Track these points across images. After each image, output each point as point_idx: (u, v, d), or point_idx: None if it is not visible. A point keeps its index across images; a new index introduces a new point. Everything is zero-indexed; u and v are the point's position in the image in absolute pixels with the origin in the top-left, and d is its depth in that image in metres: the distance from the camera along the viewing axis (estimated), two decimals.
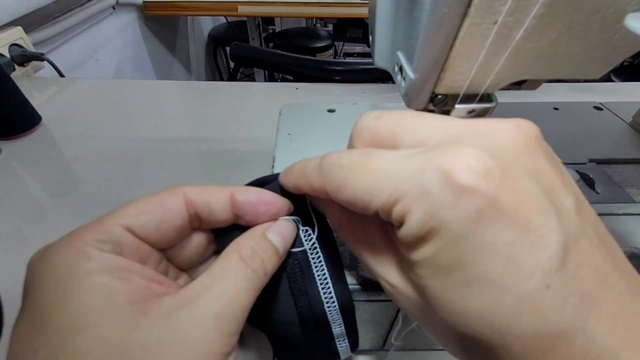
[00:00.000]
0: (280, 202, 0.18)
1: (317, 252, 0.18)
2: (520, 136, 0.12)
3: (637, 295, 0.12)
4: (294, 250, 0.18)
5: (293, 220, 0.18)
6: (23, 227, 0.35)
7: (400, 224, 0.12)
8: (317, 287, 0.18)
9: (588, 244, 0.11)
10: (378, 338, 0.27)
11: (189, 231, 0.18)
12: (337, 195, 0.14)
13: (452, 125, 0.13)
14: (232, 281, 0.15)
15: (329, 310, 0.18)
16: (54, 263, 0.13)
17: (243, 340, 0.26)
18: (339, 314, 0.18)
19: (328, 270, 0.18)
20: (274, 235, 0.17)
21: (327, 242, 0.18)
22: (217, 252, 0.19)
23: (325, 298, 0.18)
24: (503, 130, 0.12)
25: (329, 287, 0.18)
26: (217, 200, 0.17)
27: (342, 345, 0.19)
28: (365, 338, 0.27)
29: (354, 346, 0.19)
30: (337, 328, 0.18)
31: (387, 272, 0.15)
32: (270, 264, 0.16)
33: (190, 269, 0.19)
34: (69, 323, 0.12)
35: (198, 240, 0.18)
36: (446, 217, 0.11)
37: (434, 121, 0.14)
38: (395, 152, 0.13)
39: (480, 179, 0.11)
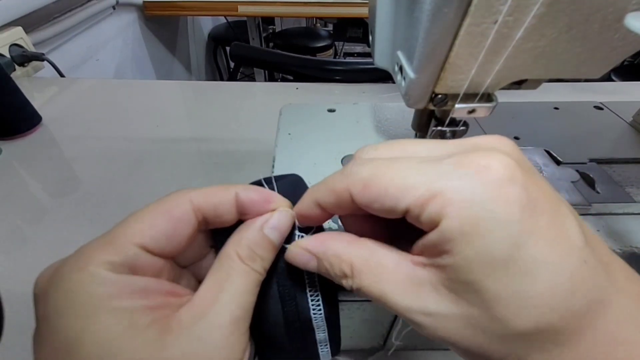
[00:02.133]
0: (280, 200, 0.18)
1: None
2: (514, 146, 0.14)
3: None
4: (286, 245, 0.18)
5: (291, 216, 0.18)
6: (24, 227, 0.35)
7: (435, 223, 0.12)
8: (306, 293, 0.18)
9: (587, 226, 0.13)
10: (378, 338, 0.27)
11: (197, 235, 0.17)
12: (363, 195, 0.13)
13: (452, 143, 0.14)
14: (240, 285, 0.15)
15: (315, 316, 0.18)
16: (71, 288, 0.13)
17: None
18: (324, 321, 0.18)
19: (318, 276, 0.18)
20: (271, 229, 0.16)
21: None
22: (213, 246, 0.19)
23: (312, 304, 0.18)
24: (499, 141, 0.14)
25: (317, 295, 0.18)
26: (222, 202, 0.16)
27: (324, 350, 0.19)
28: (366, 337, 0.27)
29: (335, 351, 0.19)
30: (321, 334, 0.18)
31: (424, 300, 0.13)
32: (268, 260, 0.16)
33: (191, 265, 0.19)
34: (98, 351, 0.13)
35: (199, 239, 0.18)
36: (491, 207, 0.11)
37: (433, 143, 0.14)
38: (423, 157, 0.13)
39: (515, 171, 0.12)
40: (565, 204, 0.13)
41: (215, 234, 0.18)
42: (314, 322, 0.18)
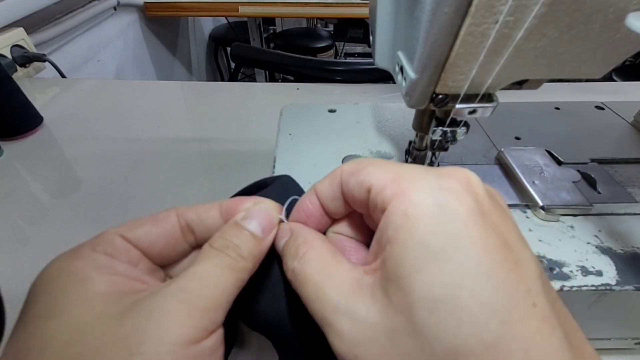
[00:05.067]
0: (268, 201, 0.18)
1: None
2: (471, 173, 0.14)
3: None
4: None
5: (267, 205, 0.18)
6: (25, 227, 0.35)
7: (386, 204, 0.13)
8: None
9: (552, 287, 0.13)
10: None
11: (186, 247, 0.18)
12: (349, 170, 0.15)
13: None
14: (202, 264, 0.15)
15: None
16: (50, 267, 0.15)
17: (244, 340, 0.26)
18: None
19: None
20: (245, 221, 0.16)
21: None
22: None
23: None
24: (456, 169, 0.14)
25: None
26: (205, 207, 0.18)
27: None
28: None
29: None
30: None
31: (356, 302, 0.13)
32: (245, 247, 0.16)
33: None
34: (44, 310, 0.13)
35: (182, 243, 0.18)
36: (441, 200, 0.12)
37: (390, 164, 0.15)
38: None
39: (476, 187, 0.13)
40: (531, 252, 0.12)
41: None
42: None
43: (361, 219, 0.17)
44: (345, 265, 0.14)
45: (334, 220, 0.17)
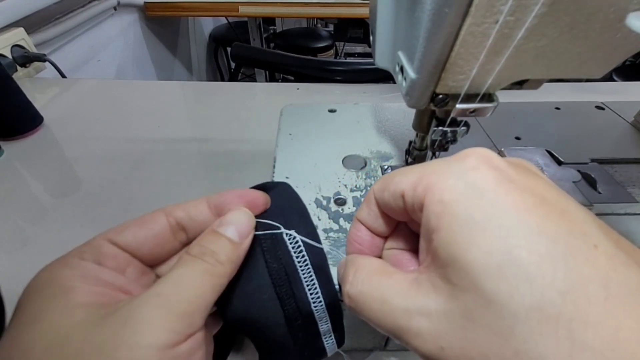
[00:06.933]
0: (253, 192, 0.18)
1: (302, 255, 0.18)
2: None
3: None
4: (259, 233, 0.18)
5: (243, 210, 0.18)
6: (25, 227, 0.35)
7: (422, 201, 0.13)
8: (304, 288, 0.17)
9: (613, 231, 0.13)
10: (380, 338, 0.27)
11: (176, 244, 0.18)
12: (380, 186, 0.16)
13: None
14: (178, 270, 0.15)
15: (316, 309, 0.18)
16: (38, 276, 0.15)
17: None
18: (326, 312, 0.18)
19: (314, 270, 0.18)
20: (223, 227, 0.17)
21: (313, 244, 0.18)
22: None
23: (312, 298, 0.17)
24: (471, 150, 0.14)
25: (315, 288, 0.18)
26: (194, 204, 0.18)
27: (329, 342, 0.19)
28: (367, 338, 0.27)
29: (340, 342, 0.19)
30: (324, 325, 0.18)
31: (422, 299, 0.13)
32: (223, 253, 0.16)
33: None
34: (27, 318, 0.14)
35: (173, 243, 0.18)
36: (467, 178, 0.13)
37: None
38: None
39: (493, 159, 0.13)
40: (575, 203, 0.12)
41: None
42: (315, 314, 0.18)
43: (408, 229, 0.17)
44: (398, 274, 0.15)
45: (385, 239, 0.18)
